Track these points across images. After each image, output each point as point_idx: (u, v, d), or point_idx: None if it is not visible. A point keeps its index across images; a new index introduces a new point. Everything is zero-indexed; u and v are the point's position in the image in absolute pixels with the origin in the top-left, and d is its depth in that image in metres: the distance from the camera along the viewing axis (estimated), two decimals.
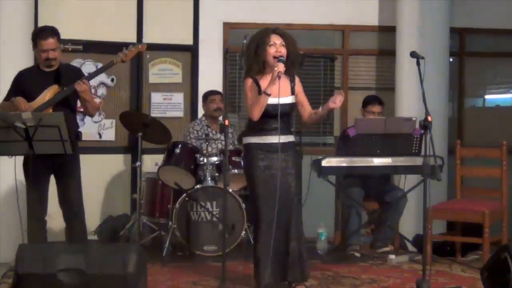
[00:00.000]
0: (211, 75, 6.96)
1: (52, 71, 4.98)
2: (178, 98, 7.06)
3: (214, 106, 6.42)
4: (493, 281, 4.29)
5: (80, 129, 5.19)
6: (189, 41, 7.05)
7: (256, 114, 4.56)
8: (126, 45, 6.71)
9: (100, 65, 6.69)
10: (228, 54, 5.18)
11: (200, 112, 6.74)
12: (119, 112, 6.32)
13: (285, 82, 4.64)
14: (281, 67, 4.48)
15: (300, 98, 4.76)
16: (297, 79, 4.74)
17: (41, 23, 6.39)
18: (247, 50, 4.70)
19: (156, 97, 7.01)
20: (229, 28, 7.12)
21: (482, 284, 4.45)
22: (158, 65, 7.02)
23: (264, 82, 4.59)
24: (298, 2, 7.11)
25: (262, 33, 4.67)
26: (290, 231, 4.60)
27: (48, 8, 6.54)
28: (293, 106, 4.71)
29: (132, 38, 6.86)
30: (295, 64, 4.70)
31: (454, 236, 5.98)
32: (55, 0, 6.63)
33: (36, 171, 4.82)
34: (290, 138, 4.73)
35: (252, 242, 4.94)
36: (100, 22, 6.76)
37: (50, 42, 4.91)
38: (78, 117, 6.58)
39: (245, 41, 5.37)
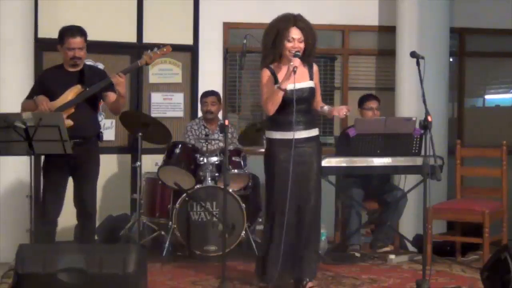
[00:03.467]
0: (211, 75, 6.96)
1: (76, 71, 4.96)
2: (178, 98, 7.05)
3: (204, 109, 6.40)
4: (493, 281, 4.29)
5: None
6: (189, 41, 7.05)
7: (271, 109, 4.54)
8: (126, 45, 6.75)
9: (100, 65, 6.70)
10: (228, 54, 5.17)
11: (200, 112, 6.74)
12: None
13: (303, 69, 4.62)
14: (297, 62, 4.47)
15: (316, 86, 4.74)
16: (315, 68, 4.74)
17: (41, 24, 6.41)
18: (265, 38, 4.67)
19: (156, 97, 7.00)
20: (229, 28, 7.12)
21: (482, 284, 4.45)
22: (158, 65, 7.01)
23: (281, 73, 4.58)
24: (298, 2, 7.09)
25: (283, 24, 4.62)
26: (303, 230, 4.57)
27: (48, 8, 6.54)
28: (312, 92, 4.66)
29: (132, 38, 6.87)
30: (312, 54, 4.71)
31: (454, 236, 5.98)
32: (55, 0, 6.62)
33: (56, 172, 4.86)
34: (313, 132, 4.68)
35: (262, 238, 4.86)
36: (100, 22, 6.75)
37: (78, 41, 4.91)
38: None
39: (245, 41, 5.36)
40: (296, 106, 4.51)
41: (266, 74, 4.63)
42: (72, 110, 4.83)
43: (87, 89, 4.86)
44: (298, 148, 4.52)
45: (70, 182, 5.01)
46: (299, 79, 4.54)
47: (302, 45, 4.60)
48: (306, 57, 4.65)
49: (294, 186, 4.49)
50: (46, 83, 4.96)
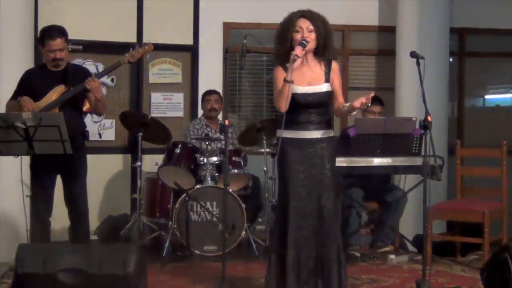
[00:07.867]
0: (211, 75, 6.97)
1: (59, 70, 4.93)
2: (178, 98, 7.06)
3: (208, 106, 6.44)
4: (493, 281, 4.28)
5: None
6: (189, 41, 7.06)
7: (281, 105, 4.19)
8: (126, 45, 6.71)
9: (100, 65, 6.72)
10: (228, 54, 5.14)
11: (200, 112, 6.75)
12: (119, 112, 6.32)
13: (317, 68, 4.31)
14: (298, 50, 4.13)
15: (334, 86, 4.33)
16: (334, 65, 4.33)
17: (41, 24, 6.39)
18: (275, 38, 4.36)
19: (156, 97, 7.01)
20: (229, 28, 7.13)
21: (482, 284, 4.45)
22: (158, 65, 7.02)
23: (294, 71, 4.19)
24: (298, 2, 7.06)
25: (289, 18, 4.33)
26: (320, 238, 4.24)
27: (48, 8, 6.54)
28: (328, 95, 4.29)
29: (132, 38, 6.87)
30: (328, 47, 4.33)
31: (454, 236, 5.98)
32: (55, 0, 6.63)
33: (43, 171, 4.85)
34: (327, 134, 4.31)
35: (273, 247, 4.33)
36: (100, 22, 6.76)
37: (58, 42, 4.86)
38: None
39: (245, 41, 5.36)
40: (310, 109, 4.26)
41: (277, 72, 4.31)
42: (57, 110, 4.79)
43: (71, 88, 4.85)
44: (308, 149, 4.27)
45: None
46: (313, 82, 4.27)
47: (312, 35, 4.25)
48: (321, 53, 4.31)
49: (304, 190, 4.23)
50: (29, 84, 4.93)
